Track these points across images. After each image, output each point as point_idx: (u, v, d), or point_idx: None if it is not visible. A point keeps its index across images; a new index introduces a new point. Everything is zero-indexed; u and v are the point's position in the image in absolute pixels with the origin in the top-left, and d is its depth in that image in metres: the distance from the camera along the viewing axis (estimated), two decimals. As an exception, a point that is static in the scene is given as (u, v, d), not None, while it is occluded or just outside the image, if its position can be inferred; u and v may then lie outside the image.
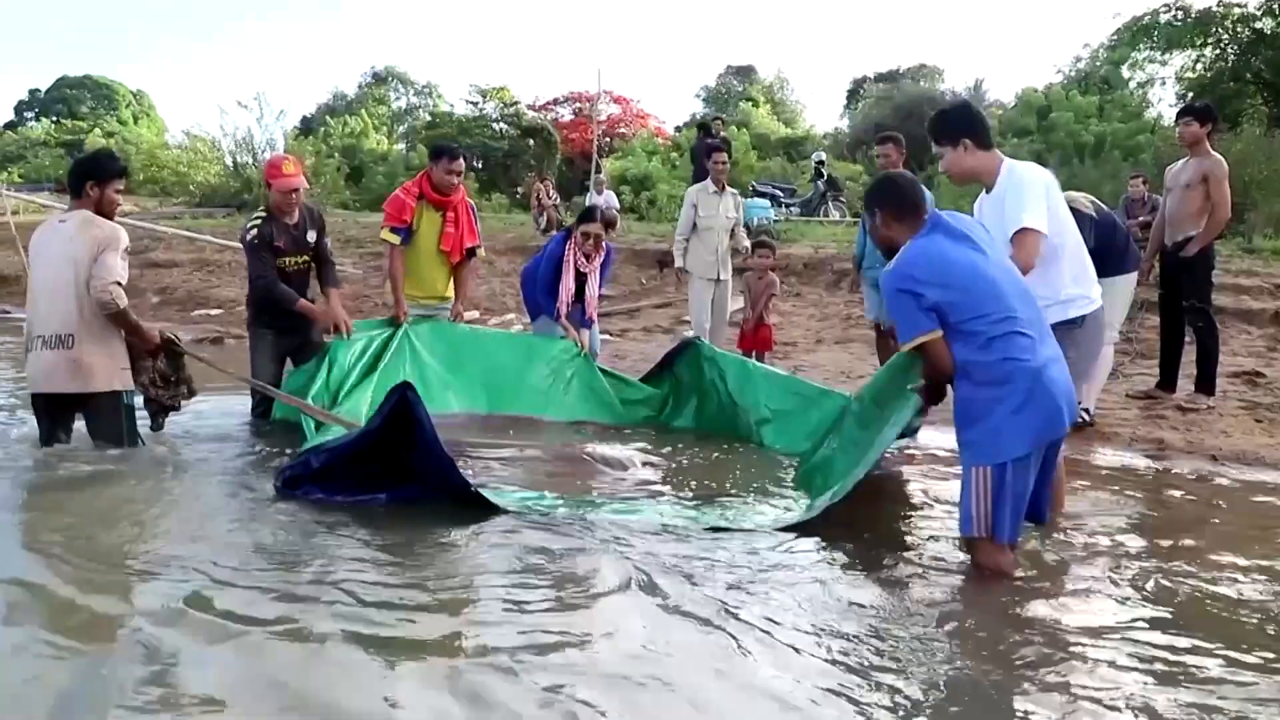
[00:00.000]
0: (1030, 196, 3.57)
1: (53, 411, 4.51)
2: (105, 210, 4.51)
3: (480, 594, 2.95)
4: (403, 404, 3.51)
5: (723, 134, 12.81)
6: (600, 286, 6.25)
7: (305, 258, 5.42)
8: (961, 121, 3.77)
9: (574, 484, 4.42)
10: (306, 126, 34.19)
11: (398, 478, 3.78)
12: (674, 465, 4.89)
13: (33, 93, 46.46)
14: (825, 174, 17.97)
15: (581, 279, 6.16)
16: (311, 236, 5.42)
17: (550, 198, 15.83)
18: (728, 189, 7.71)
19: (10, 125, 42.98)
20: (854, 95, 37.24)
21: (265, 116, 24.01)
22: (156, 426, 4.90)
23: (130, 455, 4.46)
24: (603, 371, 6.15)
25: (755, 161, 23.92)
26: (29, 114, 44.36)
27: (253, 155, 23.60)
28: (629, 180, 23.02)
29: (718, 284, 7.62)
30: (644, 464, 4.73)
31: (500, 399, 5.89)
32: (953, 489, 3.59)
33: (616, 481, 4.48)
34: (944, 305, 3.07)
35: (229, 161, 23.88)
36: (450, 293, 6.03)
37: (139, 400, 4.69)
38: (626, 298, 11.75)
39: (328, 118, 34.26)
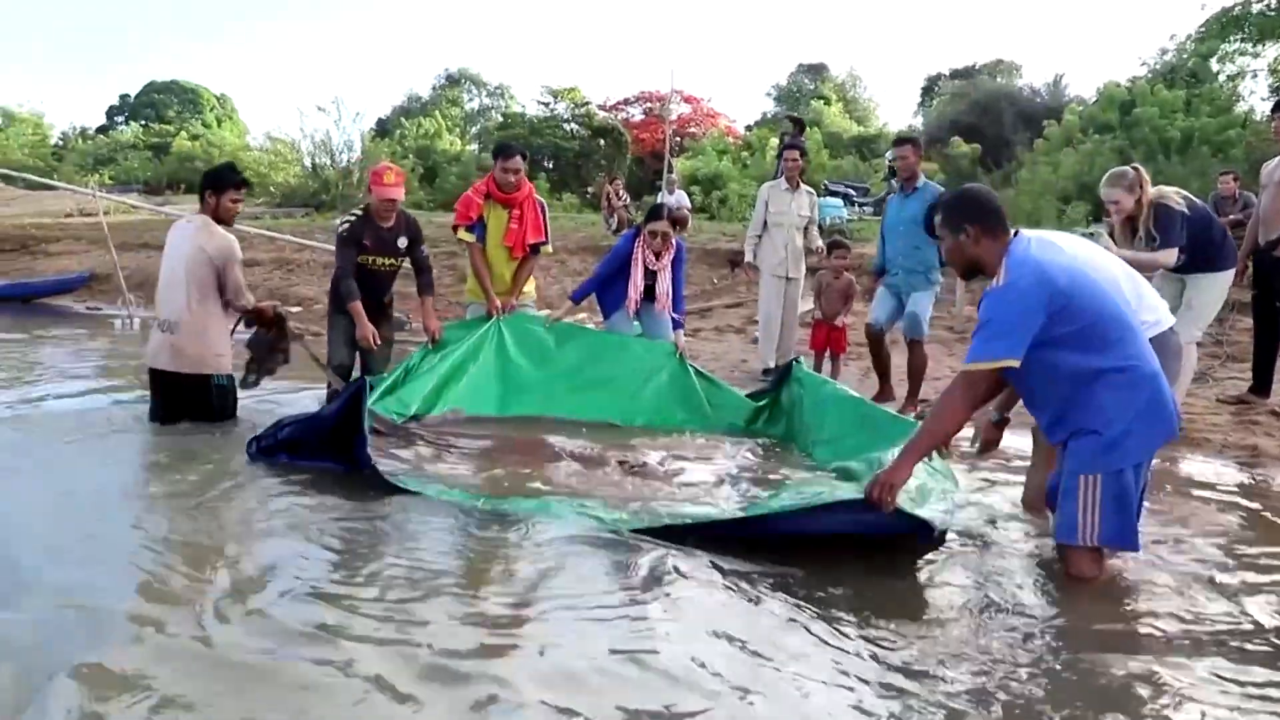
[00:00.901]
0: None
1: (161, 387, 5.10)
2: (222, 216, 5.11)
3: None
4: (356, 397, 4.02)
5: (783, 129, 12.69)
6: (679, 285, 6.19)
7: (392, 261, 5.71)
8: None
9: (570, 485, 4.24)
10: (382, 128, 34.81)
11: (343, 453, 4.11)
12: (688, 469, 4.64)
13: (123, 98, 48.12)
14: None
15: (651, 277, 6.16)
16: (402, 243, 5.70)
17: (620, 198, 15.85)
18: (802, 187, 7.66)
19: (102, 129, 44.55)
20: (928, 92, 36.69)
21: (343, 119, 24.52)
22: (252, 384, 5.44)
23: (226, 429, 5.02)
24: (697, 373, 6.02)
25: (827, 160, 23.69)
26: (119, 118, 45.95)
27: (330, 157, 24.11)
28: (699, 180, 22.97)
29: (788, 282, 7.56)
30: (666, 471, 4.51)
31: (584, 401, 5.79)
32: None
33: (602, 482, 4.28)
34: (1062, 316, 2.95)
35: (307, 163, 24.38)
36: (527, 289, 6.17)
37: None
38: (698, 297, 11.71)
39: (402, 119, 34.81)
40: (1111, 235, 5.16)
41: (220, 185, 5.10)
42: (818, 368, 7.17)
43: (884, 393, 6.57)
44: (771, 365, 7.75)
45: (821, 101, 33.41)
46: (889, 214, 6.64)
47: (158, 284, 5.21)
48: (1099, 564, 3.14)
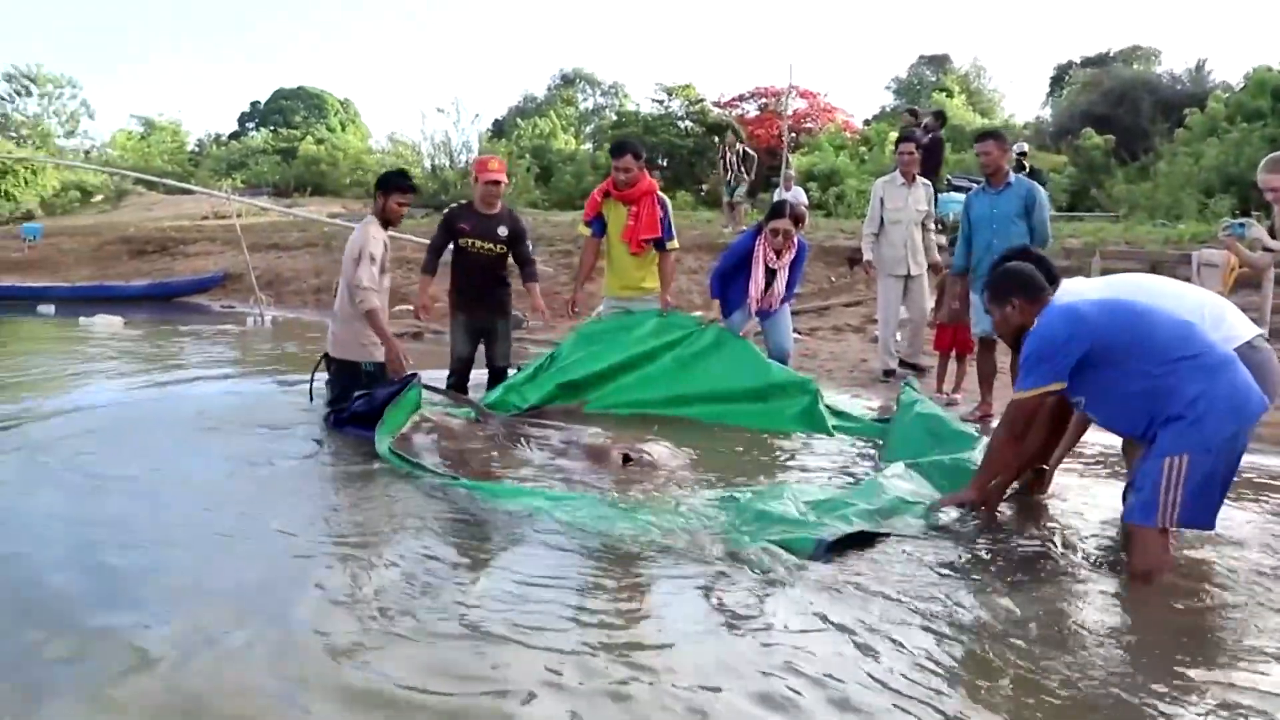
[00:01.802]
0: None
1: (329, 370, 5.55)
2: (388, 216, 5.44)
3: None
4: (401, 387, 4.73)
5: (925, 122, 12.32)
6: (794, 284, 6.05)
7: (491, 246, 5.94)
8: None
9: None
10: (499, 129, 35.35)
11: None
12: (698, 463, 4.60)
13: (253, 104, 50.18)
14: (1027, 166, 16.99)
15: (771, 276, 6.02)
16: (503, 232, 5.96)
17: (740, 161, 15.46)
18: (919, 180, 7.38)
19: (234, 135, 46.54)
20: (1058, 82, 35.24)
21: (461, 120, 24.96)
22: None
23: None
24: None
25: (950, 154, 22.97)
26: (250, 124, 47.93)
27: (449, 158, 24.60)
28: (816, 176, 22.59)
29: (909, 280, 7.30)
30: (677, 465, 4.48)
31: (681, 400, 5.77)
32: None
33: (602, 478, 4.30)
34: (1110, 334, 3.18)
35: (427, 164, 24.92)
36: (650, 284, 6.17)
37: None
38: (815, 296, 11.47)
39: (518, 120, 35.27)
40: (1272, 232, 4.78)
41: (385, 187, 5.47)
42: (943, 370, 6.90)
43: (986, 405, 6.11)
44: (893, 367, 7.50)
45: (943, 94, 32.46)
46: (975, 210, 6.21)
47: None
48: (1167, 552, 3.18)
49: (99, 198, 32.19)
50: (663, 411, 5.67)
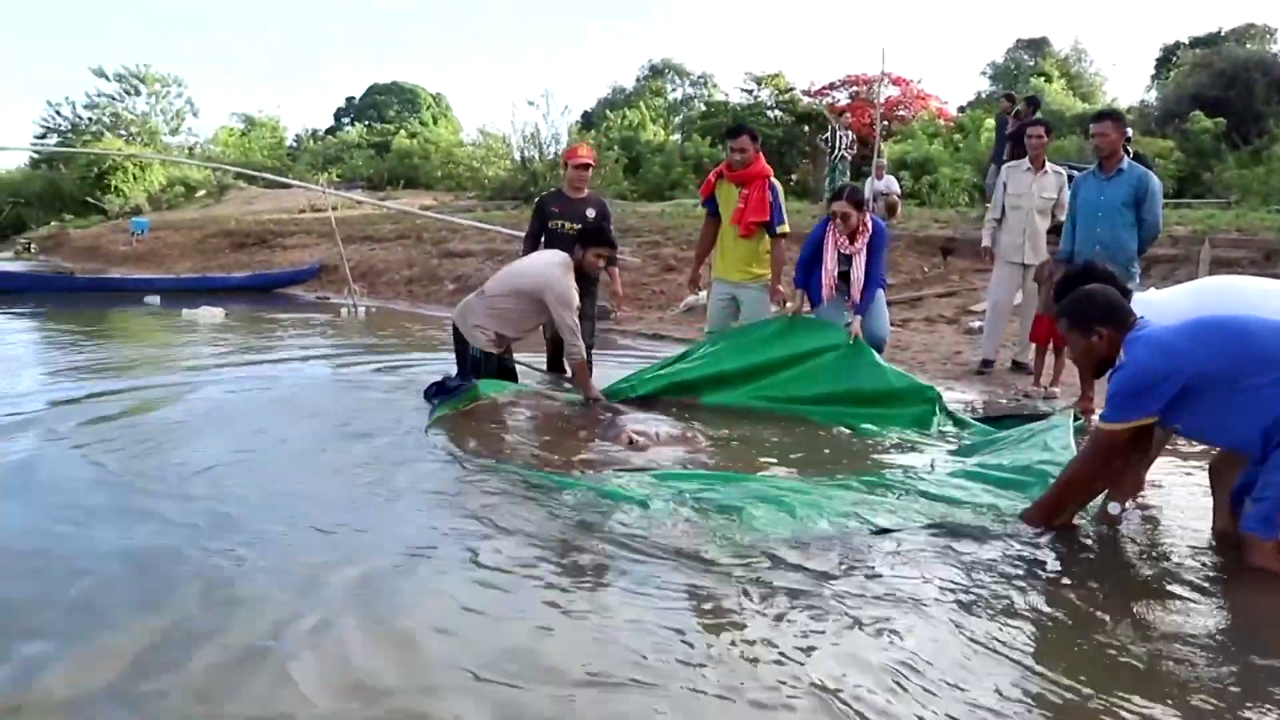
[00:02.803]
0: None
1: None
2: (584, 268, 5.73)
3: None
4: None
5: (1017, 108, 11.93)
6: (877, 270, 5.87)
7: (579, 226, 6.25)
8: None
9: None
10: (588, 120, 35.50)
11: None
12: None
13: (349, 100, 51.43)
14: (1131, 151, 16.35)
15: (848, 262, 5.87)
16: (590, 214, 6.40)
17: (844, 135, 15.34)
18: (1049, 167, 7.11)
19: (330, 130, 47.76)
20: (1164, 63, 33.83)
21: (550, 112, 25.11)
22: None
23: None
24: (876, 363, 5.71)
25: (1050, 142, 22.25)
26: (345, 119, 49.11)
27: (539, 150, 24.74)
28: (909, 164, 22.11)
29: (1025, 269, 7.06)
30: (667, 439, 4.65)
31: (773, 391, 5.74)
32: None
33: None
34: (1207, 362, 3.00)
35: (517, 156, 25.14)
36: (758, 271, 6.16)
37: None
38: (907, 286, 11.22)
39: (607, 111, 35.35)
40: None
41: (589, 240, 5.74)
42: (1040, 362, 6.67)
43: (1087, 400, 5.87)
44: (993, 358, 7.28)
45: (1042, 78, 31.47)
46: (1082, 195, 5.98)
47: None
48: None
49: (202, 192, 33.34)
50: (777, 409, 5.59)
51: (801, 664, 2.37)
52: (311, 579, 2.89)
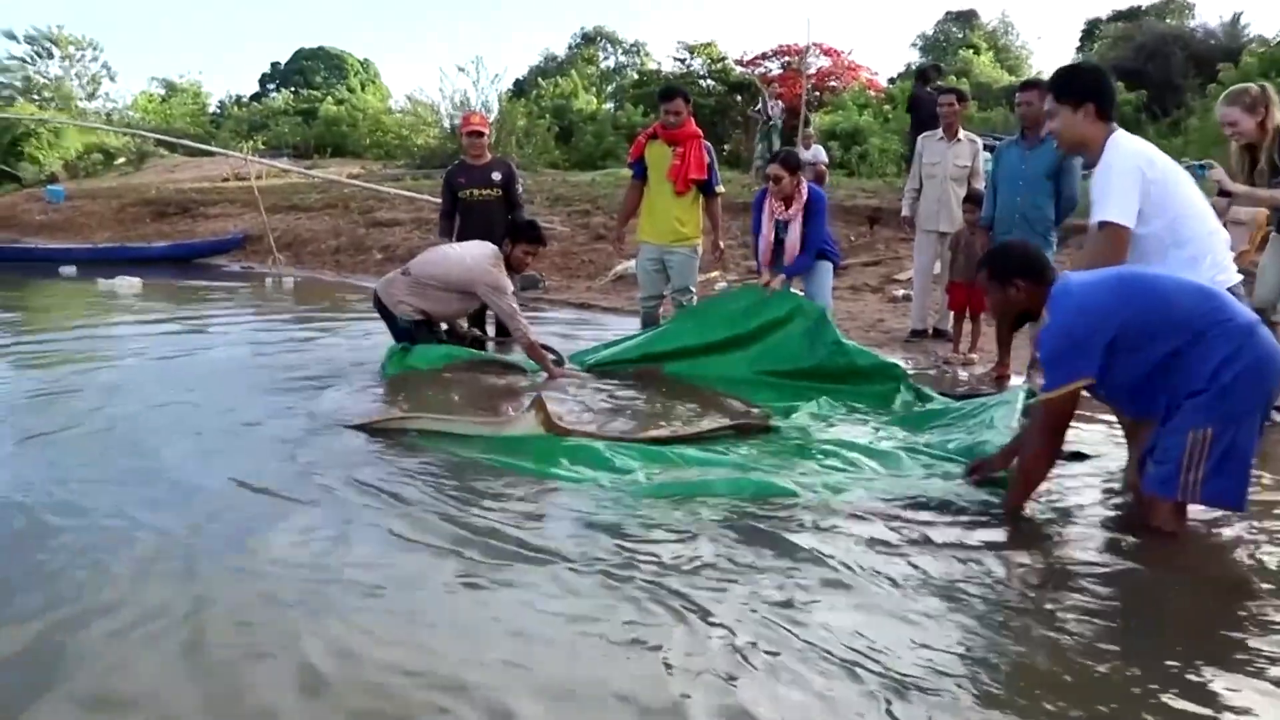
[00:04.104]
0: (1115, 187, 3.39)
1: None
2: (512, 264, 5.72)
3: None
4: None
5: (939, 82, 12.05)
6: (817, 237, 5.90)
7: (488, 191, 6.59)
8: (1090, 84, 3.55)
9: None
10: (519, 89, 35.07)
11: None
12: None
13: (274, 65, 49.99)
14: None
15: (785, 229, 5.92)
16: (496, 177, 6.63)
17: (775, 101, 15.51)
18: (963, 135, 7.19)
19: (255, 96, 46.43)
20: (1088, 36, 34.48)
21: (481, 80, 24.73)
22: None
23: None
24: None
25: (976, 112, 22.57)
26: (271, 86, 47.75)
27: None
28: (838, 135, 22.26)
29: (942, 238, 7.16)
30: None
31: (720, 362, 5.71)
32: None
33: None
34: (1130, 317, 2.99)
35: (446, 124, 24.75)
36: (688, 232, 6.22)
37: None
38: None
39: (539, 79, 34.98)
40: (1232, 173, 4.47)
41: (517, 236, 5.72)
42: (958, 330, 6.80)
43: (1003, 366, 6.02)
44: (922, 327, 7.40)
45: (970, 51, 31.89)
46: (1005, 164, 6.01)
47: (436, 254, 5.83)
48: (1182, 520, 3.11)
49: (121, 160, 32.21)
50: (739, 382, 5.51)
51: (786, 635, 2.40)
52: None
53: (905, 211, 7.47)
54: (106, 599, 2.50)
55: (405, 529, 3.02)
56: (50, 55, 42.91)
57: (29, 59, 42.72)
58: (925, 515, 3.22)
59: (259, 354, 6.49)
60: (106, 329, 7.76)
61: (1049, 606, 2.54)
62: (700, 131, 6.20)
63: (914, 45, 39.84)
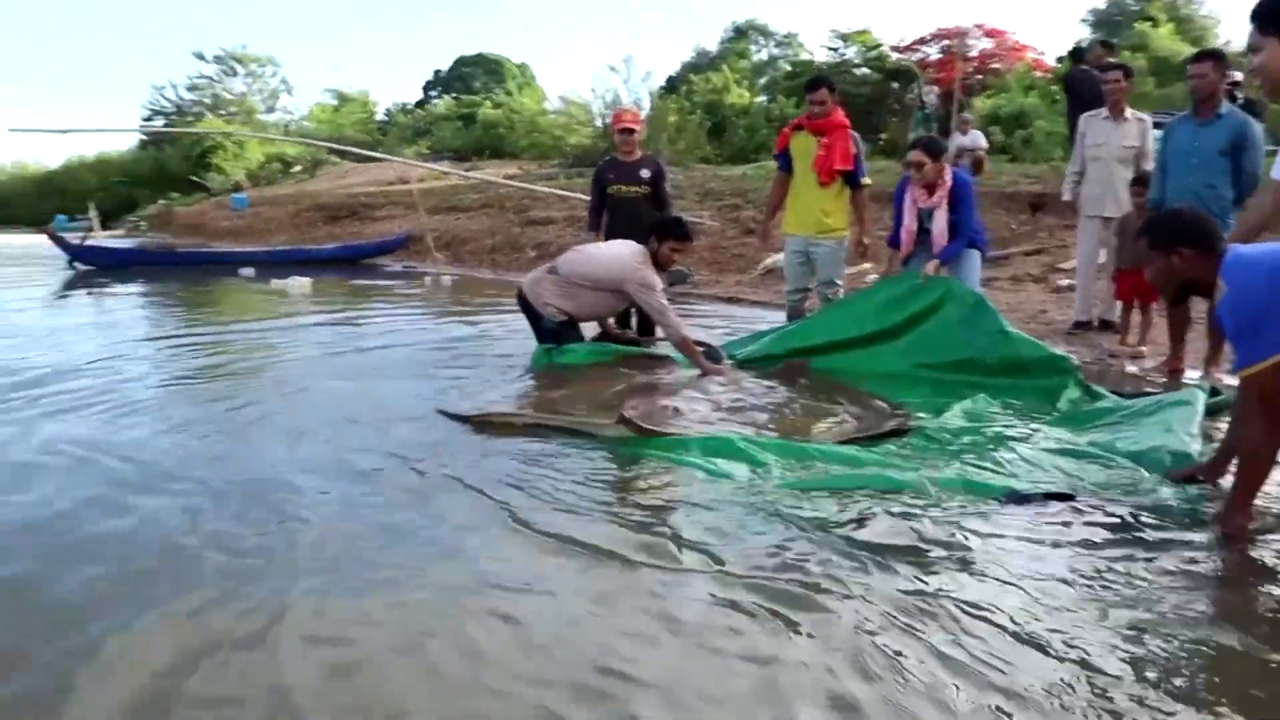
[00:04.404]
0: None
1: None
2: (659, 261, 5.60)
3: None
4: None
5: (1108, 60, 11.37)
6: (965, 224, 5.64)
7: (636, 188, 6.44)
8: None
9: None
10: (671, 85, 35.22)
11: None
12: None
13: (436, 73, 52.06)
14: (1239, 97, 15.45)
15: (929, 218, 5.69)
16: (645, 174, 6.47)
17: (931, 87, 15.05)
18: (1129, 114, 6.75)
19: (419, 103, 48.42)
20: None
21: (631, 79, 24.99)
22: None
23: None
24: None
25: (1154, 89, 21.23)
26: (434, 92, 49.67)
27: (621, 116, 24.66)
28: (1001, 118, 21.39)
29: (1106, 223, 6.75)
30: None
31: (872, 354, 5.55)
32: None
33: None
34: None
35: (599, 123, 25.11)
36: (833, 224, 6.10)
37: None
38: (994, 244, 10.86)
39: (691, 75, 35.03)
40: None
41: (663, 234, 5.59)
42: (1126, 321, 6.39)
43: (1176, 359, 5.59)
44: (1085, 318, 6.99)
45: (1148, 23, 30.05)
46: (1176, 142, 5.57)
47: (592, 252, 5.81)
48: None
49: (298, 168, 34.18)
50: (889, 376, 5.29)
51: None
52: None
53: (1066, 196, 7.07)
54: (236, 588, 2.59)
55: (535, 520, 3.02)
56: (235, 73, 46.07)
57: (217, 77, 45.95)
58: (1088, 517, 3.02)
59: (414, 348, 6.70)
60: (276, 324, 8.19)
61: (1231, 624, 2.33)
62: (847, 122, 6.07)
63: (1084, 21, 37.78)
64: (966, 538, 2.85)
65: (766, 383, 5.21)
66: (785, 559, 2.70)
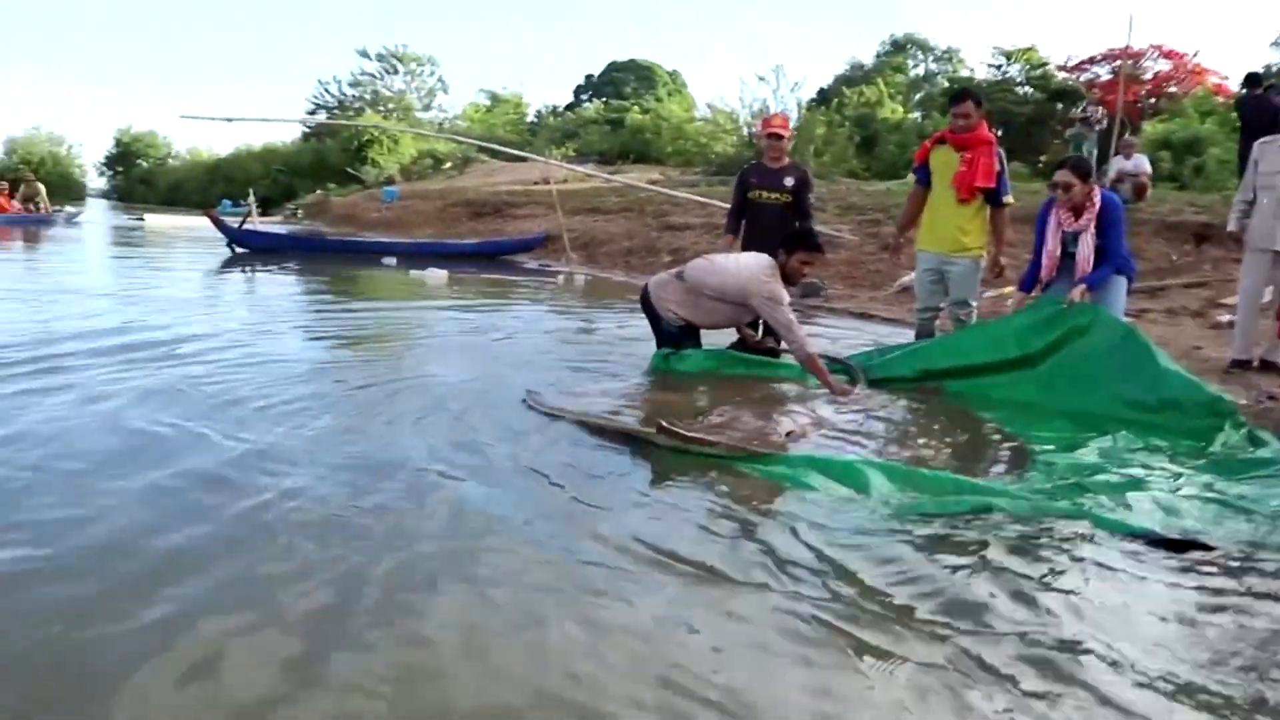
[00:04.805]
0: None
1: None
2: (788, 275, 5.36)
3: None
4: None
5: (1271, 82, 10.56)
6: (1113, 250, 5.27)
7: (778, 195, 6.23)
8: None
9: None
10: (822, 97, 34.74)
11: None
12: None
13: (587, 77, 52.83)
14: None
15: (1074, 242, 5.33)
16: (789, 182, 6.24)
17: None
18: None
19: (570, 106, 49.27)
20: None
21: (780, 88, 24.72)
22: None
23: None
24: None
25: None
26: (584, 96, 50.45)
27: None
28: (1173, 144, 20.17)
29: (1278, 258, 6.22)
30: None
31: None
32: None
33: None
34: None
35: (745, 132, 24.94)
36: (970, 243, 5.78)
37: None
38: (1150, 274, 10.20)
39: (843, 88, 34.47)
40: None
41: (793, 245, 5.38)
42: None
43: None
44: (1244, 357, 6.46)
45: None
46: None
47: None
48: None
49: (448, 165, 35.21)
50: (1025, 406, 5.01)
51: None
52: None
53: (1232, 226, 6.53)
54: (341, 566, 2.59)
55: (621, 526, 2.94)
56: (396, 71, 47.89)
57: (378, 75, 47.90)
58: (1219, 569, 2.73)
59: (535, 343, 6.80)
60: (408, 311, 8.49)
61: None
62: (993, 138, 5.77)
63: (1275, 44, 35.41)
64: (1078, 575, 2.63)
65: (890, 404, 4.96)
66: (881, 585, 2.55)
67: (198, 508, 2.95)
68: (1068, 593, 2.52)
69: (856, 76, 38.19)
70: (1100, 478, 3.65)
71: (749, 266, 5.39)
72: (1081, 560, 2.75)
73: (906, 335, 7.32)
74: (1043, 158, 25.93)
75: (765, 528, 2.97)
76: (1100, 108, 15.92)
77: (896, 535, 2.91)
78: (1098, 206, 5.23)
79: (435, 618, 2.30)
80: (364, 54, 47.93)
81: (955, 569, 2.66)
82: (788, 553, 2.74)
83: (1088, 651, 2.19)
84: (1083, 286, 5.20)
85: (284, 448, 3.64)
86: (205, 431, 3.81)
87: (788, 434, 4.08)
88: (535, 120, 47.48)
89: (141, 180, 63.66)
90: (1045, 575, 2.63)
